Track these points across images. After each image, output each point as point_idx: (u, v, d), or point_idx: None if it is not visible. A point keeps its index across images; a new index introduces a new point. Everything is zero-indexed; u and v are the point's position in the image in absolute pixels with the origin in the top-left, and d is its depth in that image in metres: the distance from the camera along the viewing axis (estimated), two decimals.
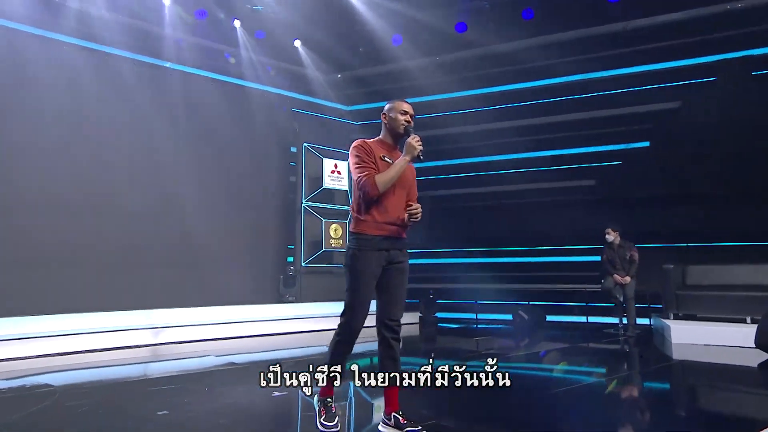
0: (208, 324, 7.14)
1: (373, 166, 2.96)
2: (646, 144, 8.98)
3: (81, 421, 3.46)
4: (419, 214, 2.99)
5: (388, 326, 2.98)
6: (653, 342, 7.06)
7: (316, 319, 8.47)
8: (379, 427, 3.03)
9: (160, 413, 3.53)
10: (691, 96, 8.53)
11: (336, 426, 2.95)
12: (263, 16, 8.76)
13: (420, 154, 2.98)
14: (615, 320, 7.81)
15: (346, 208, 9.84)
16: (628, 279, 7.36)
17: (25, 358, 5.63)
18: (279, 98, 9.89)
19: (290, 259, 9.62)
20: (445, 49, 9.25)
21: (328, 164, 9.83)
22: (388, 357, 2.98)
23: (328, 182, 9.75)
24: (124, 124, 8.13)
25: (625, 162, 9.09)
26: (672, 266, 7.46)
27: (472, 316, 9.74)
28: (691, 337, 6.50)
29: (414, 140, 2.99)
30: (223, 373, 5.21)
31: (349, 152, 3.05)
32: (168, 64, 8.56)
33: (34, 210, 7.11)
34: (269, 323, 7.86)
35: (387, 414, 3.01)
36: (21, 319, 6.41)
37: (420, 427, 2.92)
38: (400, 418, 2.95)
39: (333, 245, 9.62)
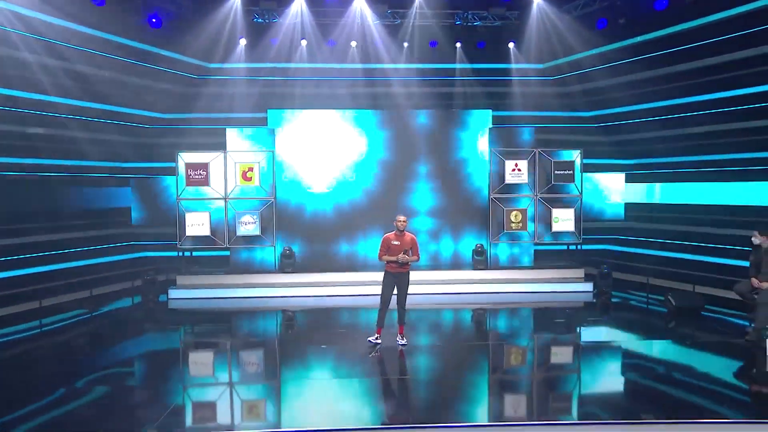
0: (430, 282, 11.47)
1: (384, 250, 7.34)
2: None
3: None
4: (403, 260, 7.24)
5: (398, 303, 7.49)
6: None
7: (503, 283, 11.84)
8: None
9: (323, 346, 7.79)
10: None
11: (377, 340, 7.50)
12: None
13: (399, 261, 7.22)
14: None
15: (525, 197, 12.77)
16: (766, 285, 7.17)
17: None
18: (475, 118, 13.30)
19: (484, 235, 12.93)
20: None
21: (509, 164, 12.67)
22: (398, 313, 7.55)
23: (509, 178, 12.63)
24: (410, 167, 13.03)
25: None
26: None
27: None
28: None
29: (400, 256, 7.21)
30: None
31: None
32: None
33: None
34: (467, 285, 11.73)
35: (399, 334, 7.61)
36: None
37: (405, 341, 7.48)
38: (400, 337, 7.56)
39: (513, 228, 12.58)
